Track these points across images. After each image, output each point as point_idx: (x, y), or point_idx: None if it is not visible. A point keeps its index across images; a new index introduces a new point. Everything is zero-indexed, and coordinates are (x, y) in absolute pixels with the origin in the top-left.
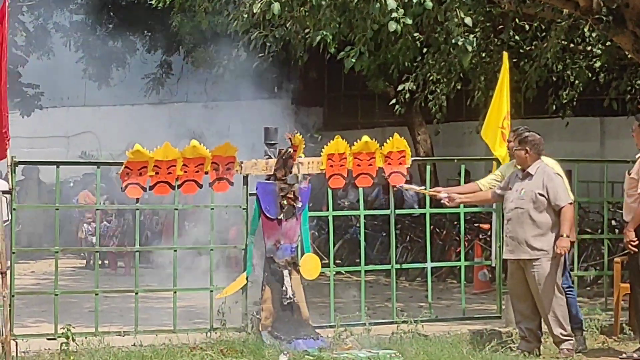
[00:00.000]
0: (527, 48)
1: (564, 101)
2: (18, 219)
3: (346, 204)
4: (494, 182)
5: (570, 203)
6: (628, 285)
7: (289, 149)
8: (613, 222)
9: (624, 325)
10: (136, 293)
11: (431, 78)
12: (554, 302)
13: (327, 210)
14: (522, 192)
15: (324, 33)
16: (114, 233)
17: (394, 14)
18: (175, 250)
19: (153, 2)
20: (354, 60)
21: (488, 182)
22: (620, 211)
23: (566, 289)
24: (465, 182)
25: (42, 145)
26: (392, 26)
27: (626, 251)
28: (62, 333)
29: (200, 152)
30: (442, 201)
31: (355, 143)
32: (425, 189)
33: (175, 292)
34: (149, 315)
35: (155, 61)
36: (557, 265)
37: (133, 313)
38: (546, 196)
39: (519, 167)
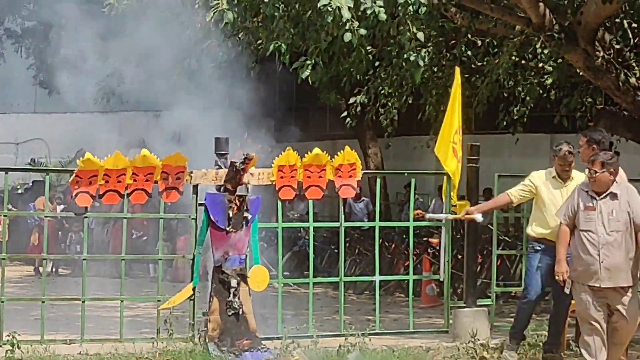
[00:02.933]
0: (479, 63)
1: (515, 117)
2: None
3: (295, 215)
4: (522, 192)
5: None
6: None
7: (242, 163)
8: None
9: (570, 341)
10: (83, 301)
11: (383, 92)
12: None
13: (277, 221)
14: (613, 213)
15: (278, 43)
16: None
17: (348, 25)
18: (123, 260)
19: (105, 10)
20: (308, 71)
21: (517, 192)
22: None
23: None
24: (415, 195)
25: None
26: (347, 37)
27: None
28: (7, 340)
29: (151, 161)
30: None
31: (306, 155)
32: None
33: (122, 301)
34: (95, 324)
35: (106, 69)
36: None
37: (79, 321)
38: (632, 217)
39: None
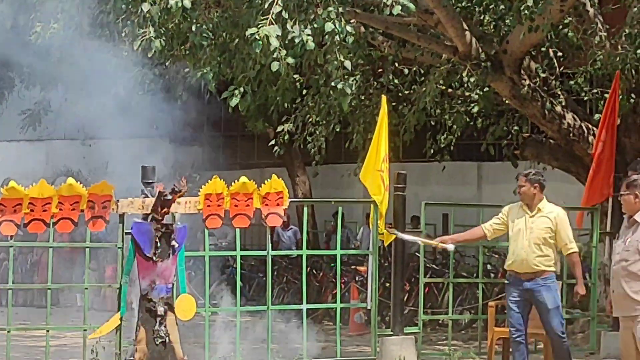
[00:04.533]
0: (406, 92)
1: (442, 145)
2: None
3: (224, 244)
4: (496, 226)
5: None
6: (502, 329)
7: (170, 193)
8: (488, 267)
9: None
10: (8, 331)
11: (310, 120)
12: None
13: (204, 250)
14: (627, 242)
15: (204, 70)
16: None
17: (276, 54)
18: (49, 289)
19: (32, 38)
20: (237, 99)
21: (491, 226)
22: (496, 256)
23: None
24: (342, 224)
25: None
26: (275, 65)
27: (500, 295)
28: None
29: (77, 190)
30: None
31: (233, 183)
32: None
33: (48, 331)
34: (22, 353)
35: (33, 97)
36: None
37: (5, 351)
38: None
39: (626, 213)
